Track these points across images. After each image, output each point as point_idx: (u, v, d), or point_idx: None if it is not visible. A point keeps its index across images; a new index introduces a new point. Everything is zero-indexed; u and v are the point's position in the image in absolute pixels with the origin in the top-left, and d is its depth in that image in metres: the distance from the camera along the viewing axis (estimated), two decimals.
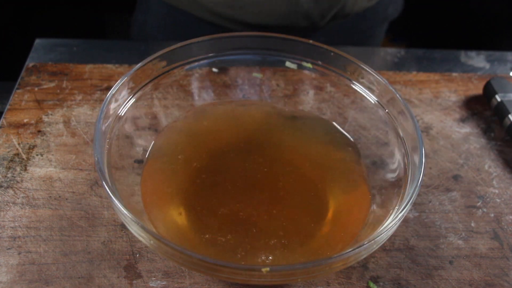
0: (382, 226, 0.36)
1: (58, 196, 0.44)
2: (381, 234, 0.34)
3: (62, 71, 0.55)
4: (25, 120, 0.50)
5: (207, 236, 0.39)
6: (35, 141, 0.48)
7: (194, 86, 0.49)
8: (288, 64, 0.49)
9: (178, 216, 0.41)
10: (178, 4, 0.71)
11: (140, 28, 0.79)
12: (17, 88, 0.53)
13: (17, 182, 0.44)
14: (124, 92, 0.42)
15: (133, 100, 0.43)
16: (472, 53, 0.66)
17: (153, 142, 0.45)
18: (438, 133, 0.53)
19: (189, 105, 0.49)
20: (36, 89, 0.53)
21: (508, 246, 0.43)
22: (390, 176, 0.43)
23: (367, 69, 0.45)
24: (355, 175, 0.45)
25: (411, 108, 0.55)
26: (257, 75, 0.51)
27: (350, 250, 0.32)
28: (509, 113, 0.53)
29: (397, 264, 0.41)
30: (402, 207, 0.35)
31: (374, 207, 0.42)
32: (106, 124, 0.40)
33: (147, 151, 0.45)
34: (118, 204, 0.33)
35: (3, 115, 0.50)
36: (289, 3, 0.65)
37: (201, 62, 0.47)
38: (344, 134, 0.48)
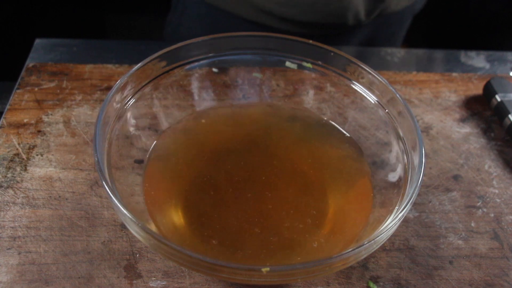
0: (382, 226, 0.36)
1: (58, 196, 0.44)
2: (381, 234, 0.34)
3: (62, 71, 0.55)
4: (25, 120, 0.50)
5: (207, 236, 0.39)
6: (35, 141, 0.48)
7: (194, 86, 0.49)
8: (288, 64, 0.49)
9: (178, 216, 0.41)
10: (220, 3, 0.70)
11: (174, 30, 0.79)
12: (17, 88, 0.53)
13: (17, 182, 0.44)
14: (124, 92, 0.42)
15: (133, 100, 0.43)
16: (472, 53, 0.66)
17: (154, 142, 0.45)
18: (438, 133, 0.53)
19: (189, 105, 0.49)
20: (36, 89, 0.53)
21: (508, 246, 0.43)
22: (390, 176, 0.43)
23: (367, 69, 0.45)
24: (357, 174, 0.45)
25: (411, 108, 0.55)
26: (257, 75, 0.51)
27: (350, 250, 0.32)
28: (509, 113, 0.53)
29: (397, 264, 0.41)
30: (402, 207, 0.35)
31: (374, 207, 0.42)
32: (106, 124, 0.40)
33: (147, 151, 0.45)
34: (118, 204, 0.33)
35: (3, 115, 0.50)
36: (341, 1, 0.67)
37: (201, 62, 0.47)
38: (344, 134, 0.48)
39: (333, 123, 0.49)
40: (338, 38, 0.74)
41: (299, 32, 0.70)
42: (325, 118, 0.49)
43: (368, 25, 0.75)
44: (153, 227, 0.39)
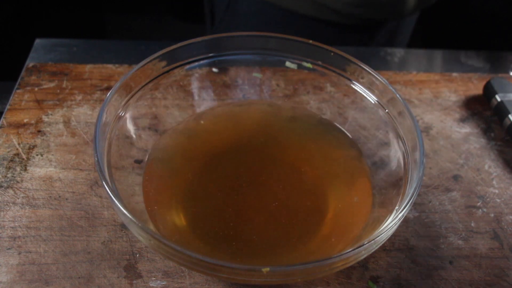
0: (382, 226, 0.36)
1: (58, 196, 0.44)
2: (381, 234, 0.34)
3: (62, 71, 0.55)
4: (25, 120, 0.50)
5: (207, 236, 0.39)
6: (35, 141, 0.48)
7: (194, 86, 0.49)
8: (288, 64, 0.49)
9: (178, 216, 0.41)
10: (278, 0, 0.71)
11: (224, 31, 0.79)
12: (17, 88, 0.53)
13: (17, 182, 0.44)
14: (124, 92, 0.42)
15: (133, 100, 0.43)
16: (472, 53, 0.66)
17: (154, 143, 0.45)
18: (438, 133, 0.53)
19: (189, 105, 0.49)
20: (36, 89, 0.53)
21: (508, 246, 0.43)
22: (390, 176, 0.43)
23: (367, 69, 0.45)
24: (357, 174, 0.45)
25: (411, 108, 0.55)
26: (257, 75, 0.51)
27: (350, 250, 0.32)
28: (509, 113, 0.53)
29: (397, 264, 0.41)
30: (402, 207, 0.35)
31: (374, 207, 0.42)
32: (106, 124, 0.40)
33: (147, 151, 0.45)
34: (118, 204, 0.33)
35: (3, 115, 0.50)
36: (404, 1, 0.70)
37: (201, 62, 0.47)
38: (345, 133, 0.48)
39: (333, 122, 0.49)
40: (371, 29, 0.78)
41: (348, 23, 0.74)
42: (325, 117, 0.49)
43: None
44: (152, 227, 0.39)
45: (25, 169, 0.45)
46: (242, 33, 0.47)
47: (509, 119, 0.53)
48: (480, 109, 0.56)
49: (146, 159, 0.44)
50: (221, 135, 0.47)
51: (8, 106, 0.51)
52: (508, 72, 0.64)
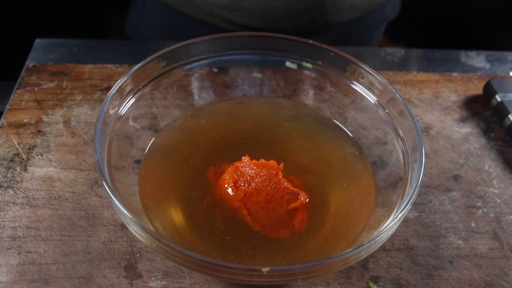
0: (382, 226, 0.36)
1: (58, 196, 0.44)
2: (381, 234, 0.34)
3: (62, 71, 0.55)
4: (25, 120, 0.50)
5: (206, 235, 0.39)
6: (35, 141, 0.48)
7: (194, 86, 0.49)
8: (288, 64, 0.49)
9: (177, 216, 0.41)
10: (173, 3, 0.71)
11: (134, 27, 0.80)
12: (17, 88, 0.53)
13: (17, 182, 0.44)
14: (124, 92, 0.42)
15: (133, 100, 0.43)
16: (472, 53, 0.66)
17: (151, 141, 0.45)
18: (438, 133, 0.53)
19: (189, 105, 0.49)
20: (36, 89, 0.53)
21: (508, 246, 0.43)
22: (390, 176, 0.43)
23: (367, 69, 0.45)
24: (359, 172, 0.45)
25: (411, 108, 0.55)
26: (257, 75, 0.51)
27: (350, 250, 0.32)
28: (509, 113, 0.53)
29: (397, 264, 0.41)
30: (402, 207, 0.35)
31: (376, 206, 0.42)
32: (106, 124, 0.40)
33: (147, 151, 0.45)
34: (118, 204, 0.33)
35: (3, 115, 0.50)
36: (277, 11, 0.67)
37: (201, 62, 0.47)
38: (345, 131, 0.48)
39: (334, 121, 0.49)
40: None
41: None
42: (326, 116, 0.49)
43: (326, 32, 0.74)
44: (150, 227, 0.39)
45: (25, 169, 0.45)
46: (242, 33, 0.47)
47: (509, 119, 0.53)
48: (480, 109, 0.56)
49: (142, 158, 0.44)
50: (220, 132, 0.47)
51: (8, 106, 0.51)
52: (508, 72, 0.64)
